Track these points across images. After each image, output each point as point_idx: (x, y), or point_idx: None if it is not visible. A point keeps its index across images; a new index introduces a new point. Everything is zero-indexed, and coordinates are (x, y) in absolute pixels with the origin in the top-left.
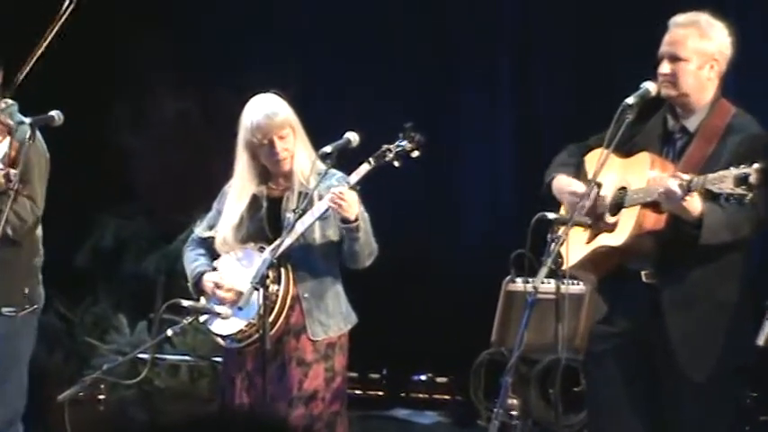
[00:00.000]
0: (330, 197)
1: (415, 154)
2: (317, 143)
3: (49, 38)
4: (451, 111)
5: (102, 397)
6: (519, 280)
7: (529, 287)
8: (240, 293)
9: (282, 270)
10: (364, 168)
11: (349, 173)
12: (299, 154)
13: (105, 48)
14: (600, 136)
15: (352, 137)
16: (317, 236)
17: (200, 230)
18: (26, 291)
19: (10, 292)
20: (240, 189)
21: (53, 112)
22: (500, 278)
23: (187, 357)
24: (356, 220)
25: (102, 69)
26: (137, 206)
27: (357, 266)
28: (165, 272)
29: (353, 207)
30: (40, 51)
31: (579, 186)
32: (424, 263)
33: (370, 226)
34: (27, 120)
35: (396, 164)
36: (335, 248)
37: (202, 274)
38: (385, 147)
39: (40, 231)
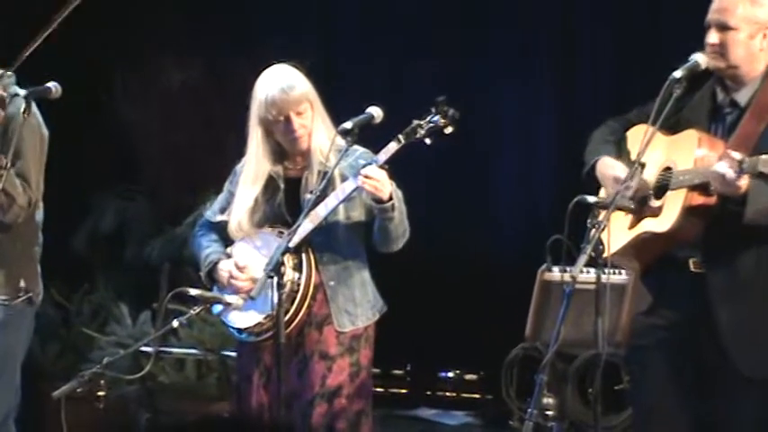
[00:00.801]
0: (360, 178)
1: (449, 130)
2: (336, 120)
3: (60, 18)
4: (486, 83)
5: (101, 394)
6: (556, 269)
7: (566, 276)
8: (256, 282)
9: (304, 256)
10: (393, 146)
11: (374, 153)
12: (317, 131)
13: (106, 14)
14: (642, 110)
15: (376, 112)
16: (341, 218)
17: (210, 214)
18: (22, 283)
19: (4, 282)
20: (255, 169)
21: (50, 84)
22: (535, 267)
23: (194, 351)
24: (390, 199)
25: (102, 37)
26: (140, 186)
27: (389, 249)
28: (171, 258)
29: (386, 185)
30: (49, 31)
31: (622, 170)
32: (453, 249)
33: (404, 204)
34: (22, 92)
35: (427, 141)
36: (361, 231)
37: (216, 262)
38: (416, 122)
39: (39, 217)
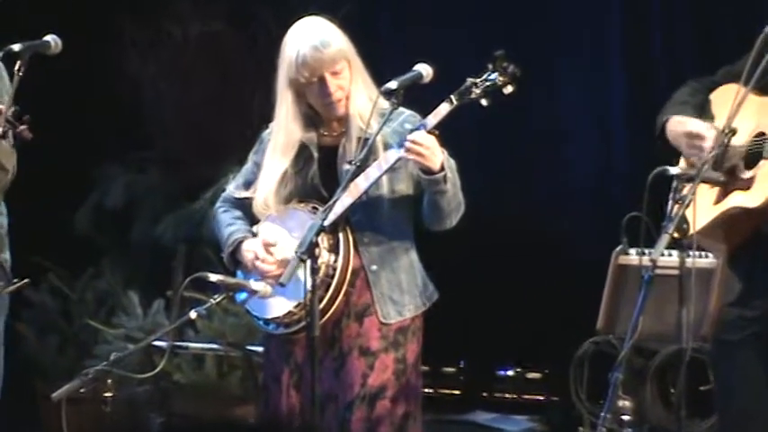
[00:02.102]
0: (406, 145)
1: (509, 90)
2: (378, 80)
3: None
4: (550, 40)
5: (108, 394)
6: (633, 251)
7: (645, 260)
8: (286, 265)
9: (341, 236)
10: (444, 108)
11: (423, 116)
12: (356, 93)
13: None
14: (730, 70)
15: (424, 69)
16: (385, 192)
17: (233, 188)
18: None
19: None
20: (284, 137)
21: (48, 37)
22: (609, 248)
23: (214, 346)
24: (442, 169)
25: None
26: (152, 155)
27: (442, 226)
28: (187, 238)
29: (436, 153)
30: None
31: (696, 125)
32: (513, 227)
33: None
34: (16, 47)
35: (483, 102)
36: (408, 207)
37: (242, 240)
38: (470, 81)
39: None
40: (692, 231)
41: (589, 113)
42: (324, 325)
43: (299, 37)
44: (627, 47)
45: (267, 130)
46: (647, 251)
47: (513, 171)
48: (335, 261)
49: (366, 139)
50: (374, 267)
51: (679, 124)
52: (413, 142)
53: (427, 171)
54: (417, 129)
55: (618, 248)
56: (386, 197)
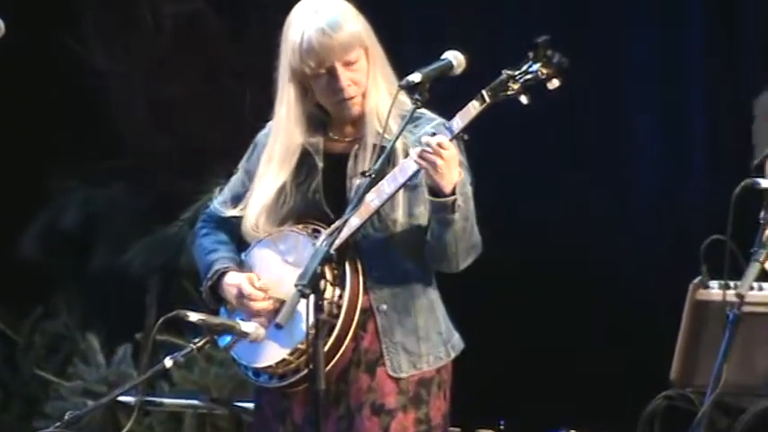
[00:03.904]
0: (418, 150)
1: (554, 84)
2: (402, 70)
3: None
4: (611, 26)
5: None
6: (714, 284)
7: (730, 295)
8: (282, 303)
9: (348, 267)
10: (474, 108)
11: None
12: (374, 88)
13: None
14: None
15: (455, 58)
16: (400, 214)
17: (219, 204)
18: None
19: None
20: (284, 142)
21: None
22: (685, 280)
23: (194, 402)
24: (453, 192)
25: None
26: (118, 164)
27: (445, 268)
28: (161, 268)
29: (452, 169)
30: None
31: None
32: (563, 254)
33: (473, 205)
34: None
35: (523, 100)
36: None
37: (224, 272)
38: (506, 73)
39: None
40: None
41: (659, 116)
42: (327, 375)
43: (303, 17)
44: (710, 31)
45: (264, 131)
46: (732, 284)
47: (564, 187)
48: (341, 297)
49: (384, 147)
50: (384, 307)
51: None
52: (429, 145)
53: (435, 191)
54: (439, 133)
55: (696, 281)
56: (401, 221)
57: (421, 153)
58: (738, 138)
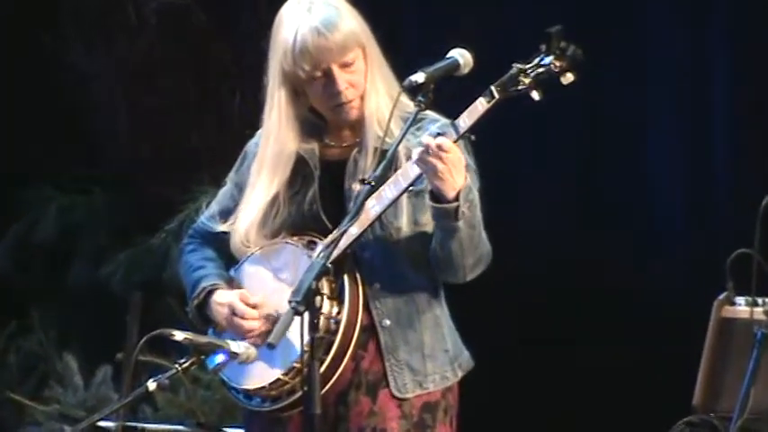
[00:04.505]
0: (419, 151)
1: (568, 78)
2: (404, 71)
3: None
4: (631, 27)
5: None
6: (741, 300)
7: (758, 312)
8: (274, 321)
9: (346, 280)
10: (481, 105)
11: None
12: (373, 90)
13: None
14: None
15: (462, 57)
16: (404, 222)
17: (206, 219)
18: None
19: None
20: (276, 149)
21: None
22: (709, 296)
23: (180, 427)
24: (456, 198)
25: None
26: (97, 172)
27: (451, 278)
28: (144, 284)
29: (458, 173)
30: None
31: None
32: (581, 271)
33: (480, 212)
34: None
35: (535, 96)
36: None
37: (212, 289)
38: (517, 67)
39: None
40: None
41: (680, 118)
42: (324, 398)
43: (296, 16)
44: (734, 27)
45: (254, 140)
46: (760, 300)
47: (581, 196)
48: (339, 313)
49: (385, 151)
50: (387, 323)
51: None
52: (429, 146)
53: (437, 196)
54: (442, 134)
55: (721, 297)
56: (405, 229)
57: (420, 155)
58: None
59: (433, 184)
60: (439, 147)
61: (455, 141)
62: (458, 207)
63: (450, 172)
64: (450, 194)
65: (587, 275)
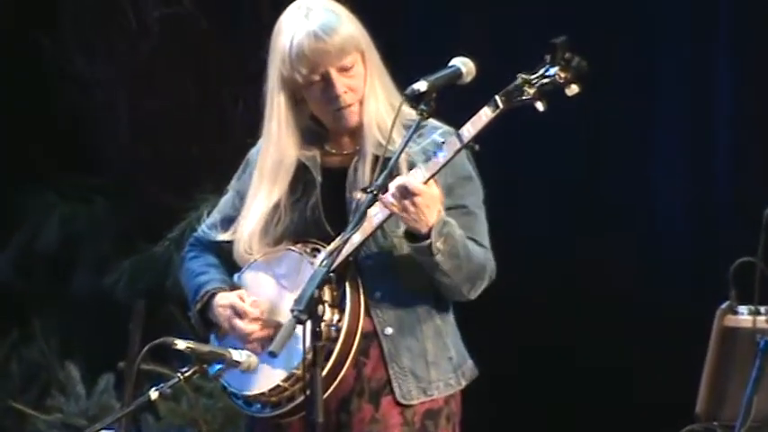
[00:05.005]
0: (389, 195)
1: (573, 90)
2: (404, 80)
3: None
4: (638, 39)
5: None
6: (743, 309)
7: (761, 321)
8: (276, 328)
9: (348, 288)
10: (485, 116)
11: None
12: (373, 95)
13: None
14: None
15: (464, 65)
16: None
17: (208, 227)
18: None
19: None
20: (276, 157)
21: None
22: (711, 305)
23: None
24: (428, 236)
25: None
26: (99, 180)
27: (455, 298)
28: (146, 292)
29: (430, 212)
30: None
31: None
32: (584, 280)
33: (486, 225)
34: None
35: (539, 106)
36: None
37: (215, 293)
38: (521, 77)
39: None
40: None
41: (682, 126)
42: (326, 405)
43: (294, 21)
44: (737, 36)
45: (256, 148)
46: (762, 309)
47: (583, 198)
48: (340, 320)
49: (387, 159)
50: (389, 331)
51: None
52: (398, 189)
53: (411, 234)
54: (440, 149)
55: (724, 306)
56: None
57: (385, 200)
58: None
59: (406, 224)
60: (407, 191)
61: (459, 151)
62: (430, 244)
63: (423, 213)
64: (423, 231)
65: (589, 282)
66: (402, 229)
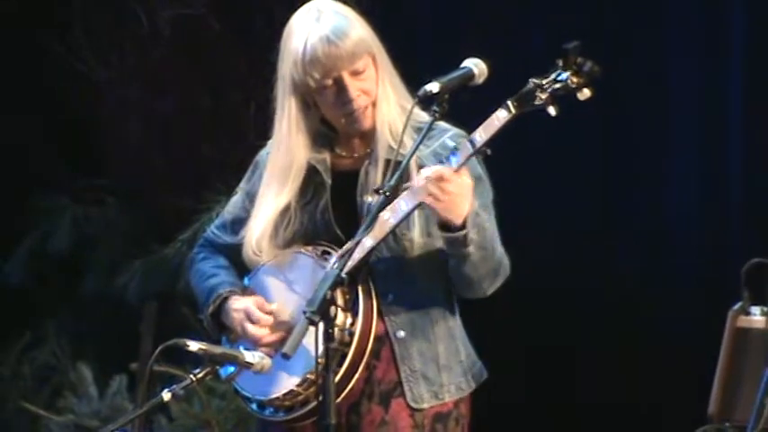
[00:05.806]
0: (421, 182)
1: (585, 94)
2: (416, 81)
3: None
4: (651, 54)
5: None
6: (756, 309)
7: None
8: (289, 331)
9: (360, 292)
10: (498, 119)
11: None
12: (384, 97)
13: None
14: None
15: (476, 66)
16: (416, 234)
17: (217, 229)
18: None
19: None
20: (287, 159)
21: None
22: (724, 306)
23: None
24: (464, 226)
25: None
26: (110, 183)
27: (470, 295)
28: (158, 294)
29: (462, 201)
30: None
31: None
32: (591, 279)
33: (496, 226)
34: None
35: (551, 111)
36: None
37: (228, 296)
38: (533, 82)
39: None
40: None
41: (694, 133)
42: (337, 408)
43: (305, 26)
44: (749, 46)
45: (265, 149)
46: None
47: (597, 203)
48: (353, 324)
49: (398, 162)
50: (402, 334)
51: None
52: (429, 179)
53: (444, 225)
54: (453, 154)
55: (736, 307)
56: (417, 240)
57: (424, 187)
58: None
59: (439, 215)
60: (439, 178)
61: (471, 156)
62: (466, 234)
63: (454, 202)
64: (457, 222)
65: (600, 281)
66: (415, 230)
